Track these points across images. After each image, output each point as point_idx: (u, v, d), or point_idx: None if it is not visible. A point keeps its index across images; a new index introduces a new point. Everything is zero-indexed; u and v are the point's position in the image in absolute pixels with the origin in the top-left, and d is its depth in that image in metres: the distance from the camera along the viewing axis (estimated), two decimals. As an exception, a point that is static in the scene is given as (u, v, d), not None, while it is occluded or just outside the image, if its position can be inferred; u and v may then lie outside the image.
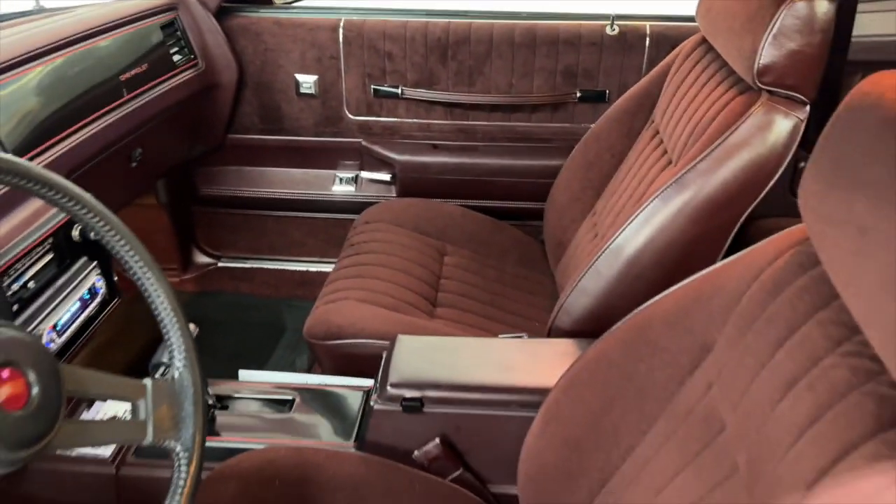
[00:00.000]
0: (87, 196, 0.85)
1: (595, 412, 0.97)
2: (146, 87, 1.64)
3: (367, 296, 1.54)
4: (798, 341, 0.69)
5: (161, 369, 1.10)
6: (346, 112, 2.03)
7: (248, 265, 2.23)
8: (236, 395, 1.38)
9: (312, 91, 2.02)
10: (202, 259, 2.24)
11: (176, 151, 1.95)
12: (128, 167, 1.65)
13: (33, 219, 1.22)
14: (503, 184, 2.01)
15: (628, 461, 0.92)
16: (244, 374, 1.44)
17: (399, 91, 1.98)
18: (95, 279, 1.36)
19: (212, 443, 1.28)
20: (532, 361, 1.25)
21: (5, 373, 0.70)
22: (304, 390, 1.39)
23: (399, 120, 2.02)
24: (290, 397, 1.36)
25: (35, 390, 0.71)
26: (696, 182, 1.23)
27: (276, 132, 2.07)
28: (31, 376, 0.71)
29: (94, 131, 1.47)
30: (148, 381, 0.85)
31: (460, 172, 2.01)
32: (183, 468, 0.84)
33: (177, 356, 0.89)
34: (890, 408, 0.56)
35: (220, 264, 2.24)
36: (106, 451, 1.30)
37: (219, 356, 1.82)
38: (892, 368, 0.55)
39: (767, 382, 0.71)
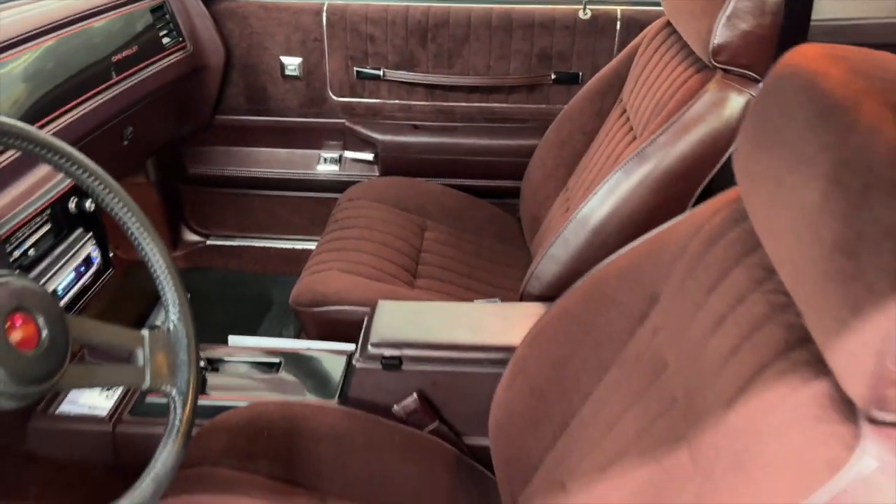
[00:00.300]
0: (90, 162, 0.92)
1: (558, 363, 1.06)
2: (136, 68, 1.71)
3: (350, 266, 1.62)
4: (727, 284, 0.78)
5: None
6: (330, 93, 2.10)
7: (235, 243, 2.30)
8: (226, 359, 1.46)
9: (297, 73, 2.09)
10: (191, 237, 2.31)
11: (165, 131, 2.02)
12: (119, 145, 1.72)
13: (33, 190, 1.29)
14: (481, 163, 2.09)
15: (586, 405, 1.01)
16: (233, 340, 1.52)
17: (381, 73, 2.05)
18: (91, 249, 1.43)
19: (203, 401, 1.35)
20: (503, 323, 1.33)
21: (18, 318, 0.77)
22: (290, 354, 1.47)
23: (381, 101, 2.10)
24: (277, 360, 1.45)
25: (44, 334, 0.79)
26: (655, 155, 1.31)
27: (263, 113, 2.14)
28: (41, 321, 0.79)
29: (86, 110, 1.53)
30: (145, 332, 0.93)
31: (440, 152, 2.09)
32: (178, 411, 0.93)
33: (171, 310, 0.97)
34: (796, 333, 0.65)
35: (208, 242, 2.31)
36: (103, 410, 1.38)
37: (209, 327, 1.87)
38: (798, 301, 0.64)
39: (702, 322, 0.80)
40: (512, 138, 2.08)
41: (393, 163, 2.11)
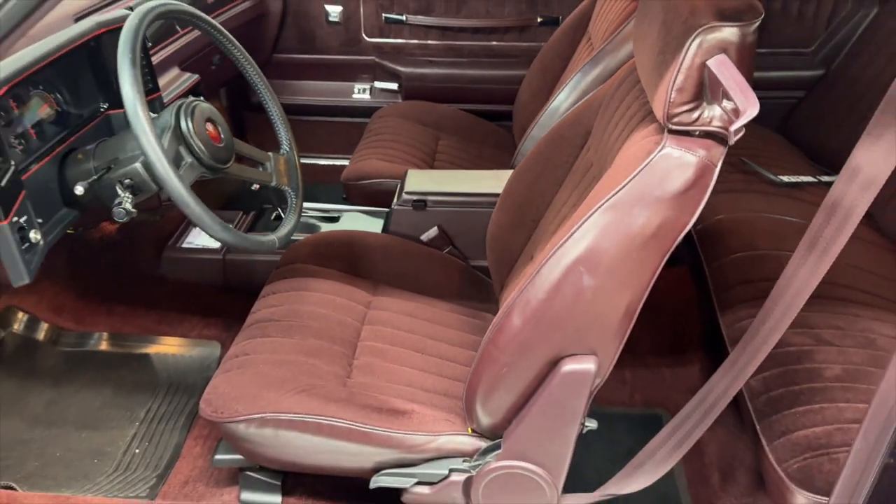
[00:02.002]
0: (230, 36, 1.48)
1: (530, 184, 1.61)
2: (223, 9, 2.26)
3: (385, 154, 2.18)
4: (626, 104, 1.33)
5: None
6: (364, 35, 2.65)
7: None
8: (304, 214, 2.02)
9: (338, 19, 2.64)
10: (252, 155, 2.87)
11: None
12: (209, 68, 2.27)
13: (171, 83, 1.85)
14: (483, 89, 2.64)
15: (549, 209, 1.56)
16: (307, 206, 2.08)
17: (404, 18, 2.60)
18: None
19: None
20: (496, 180, 1.89)
21: (210, 124, 1.33)
22: (345, 212, 2.03)
23: (404, 41, 2.65)
24: (336, 216, 2.01)
25: (223, 136, 1.35)
26: (604, 59, 1.85)
27: (310, 52, 2.69)
28: (220, 129, 1.35)
29: (191, 37, 2.09)
30: (272, 153, 1.49)
31: (451, 81, 2.64)
32: (293, 199, 1.49)
33: (284, 141, 1.53)
34: (647, 108, 1.19)
35: (264, 160, 2.87)
36: (216, 244, 1.95)
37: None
38: (646, 89, 1.18)
39: (613, 131, 1.35)
40: (507, 69, 2.62)
41: (414, 91, 2.66)
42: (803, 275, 1.15)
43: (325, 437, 1.29)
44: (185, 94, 1.89)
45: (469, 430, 1.32)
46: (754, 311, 1.63)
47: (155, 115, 1.30)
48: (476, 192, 1.84)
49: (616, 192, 1.08)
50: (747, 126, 1.01)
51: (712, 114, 1.03)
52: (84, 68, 1.49)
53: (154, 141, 1.14)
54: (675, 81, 1.02)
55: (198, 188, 1.26)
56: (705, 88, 1.03)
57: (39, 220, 1.28)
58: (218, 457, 1.46)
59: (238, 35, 2.55)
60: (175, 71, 1.94)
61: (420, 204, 1.83)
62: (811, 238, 1.15)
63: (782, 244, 1.80)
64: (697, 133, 1.05)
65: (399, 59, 2.66)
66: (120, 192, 1.25)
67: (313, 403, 1.29)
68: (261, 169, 1.48)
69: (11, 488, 1.52)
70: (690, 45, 1.00)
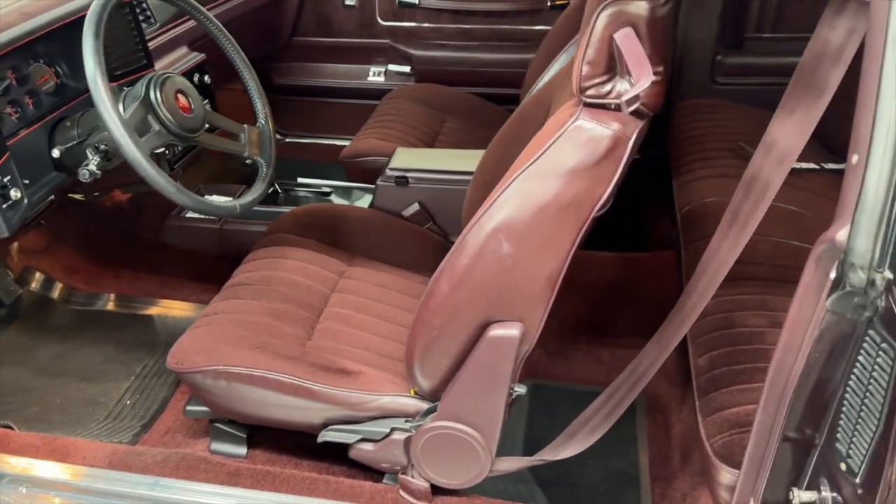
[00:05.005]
0: (218, 23, 1.57)
1: (498, 161, 1.64)
2: (237, -8, 2.38)
3: (384, 134, 2.25)
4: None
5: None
6: (378, 19, 2.73)
7: (305, 140, 2.97)
8: (297, 190, 2.12)
9: (353, 3, 2.72)
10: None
11: (257, 46, 2.68)
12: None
13: (177, 61, 1.97)
14: (494, 73, 2.68)
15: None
16: (302, 180, 2.18)
17: (417, 1, 2.66)
18: (206, 110, 2.10)
19: (279, 209, 2.02)
20: (475, 158, 1.93)
21: (180, 95, 1.43)
22: (337, 187, 2.12)
23: (417, 24, 2.71)
24: (328, 191, 2.10)
25: (193, 107, 1.44)
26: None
27: (328, 35, 2.78)
28: (191, 100, 1.44)
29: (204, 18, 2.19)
30: (246, 125, 1.58)
31: (462, 64, 2.69)
32: (265, 169, 1.57)
33: (260, 115, 1.61)
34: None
35: (286, 140, 2.99)
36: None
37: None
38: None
39: (560, 107, 1.37)
40: (518, 53, 2.65)
41: (426, 74, 2.71)
42: (725, 248, 1.17)
43: (274, 391, 1.37)
44: (187, 73, 2.00)
45: (413, 392, 1.38)
46: (718, 292, 1.64)
47: (130, 87, 1.41)
48: (456, 169, 1.89)
49: (532, 163, 1.12)
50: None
51: (624, 87, 1.06)
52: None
53: (110, 108, 1.24)
54: (585, 54, 1.05)
55: (211, 165, 1.36)
56: (616, 62, 1.05)
57: (26, 182, 1.41)
58: (189, 408, 1.56)
59: (257, 19, 2.68)
60: (183, 49, 2.05)
61: (402, 180, 1.90)
62: (732, 213, 1.16)
63: (762, 228, 1.77)
64: (613, 106, 1.08)
65: (412, 43, 2.72)
66: (90, 155, 1.36)
67: (264, 359, 1.38)
68: (237, 140, 1.57)
69: (10, 427, 1.66)
70: (598, 17, 1.03)
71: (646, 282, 2.13)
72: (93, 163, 1.35)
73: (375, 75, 2.81)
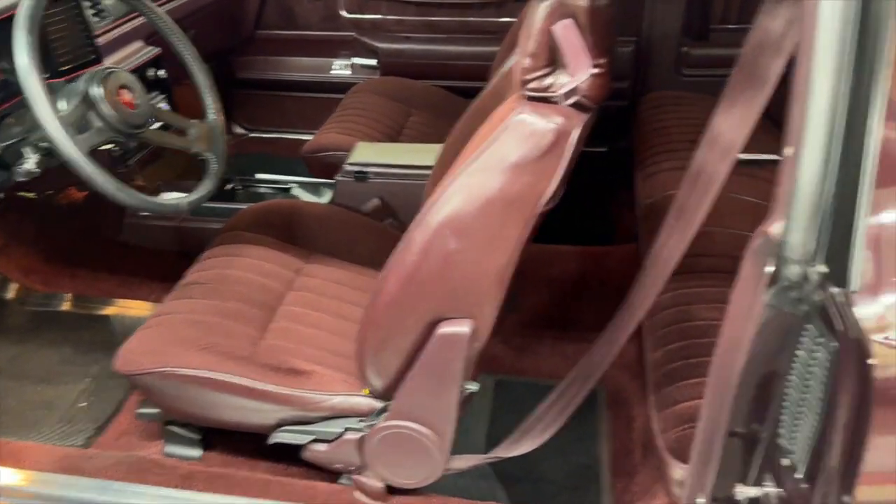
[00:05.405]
0: (169, 19, 1.53)
1: (456, 156, 1.62)
2: (196, -16, 2.33)
3: (346, 128, 2.23)
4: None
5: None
6: (343, 12, 2.69)
7: (270, 135, 2.92)
8: (257, 186, 2.09)
9: (316, -5, 2.68)
10: (238, 130, 2.94)
11: (219, 39, 2.63)
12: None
13: (128, 57, 1.92)
14: (460, 66, 2.65)
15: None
16: (261, 176, 2.15)
17: (382, -6, 2.63)
18: (163, 106, 2.06)
19: (239, 205, 1.99)
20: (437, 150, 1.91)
21: (124, 90, 1.39)
22: (299, 183, 2.09)
23: (382, 17, 2.67)
24: (289, 186, 2.07)
25: (137, 102, 1.41)
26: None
27: (292, 28, 2.74)
28: (136, 96, 1.41)
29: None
30: (196, 120, 1.54)
31: (428, 57, 2.66)
32: (214, 166, 1.54)
33: (210, 109, 1.58)
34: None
35: (251, 135, 2.94)
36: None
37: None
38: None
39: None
40: (484, 46, 2.62)
41: (391, 67, 2.68)
42: (672, 243, 1.15)
43: (225, 393, 1.35)
44: (141, 67, 1.96)
45: (366, 391, 1.36)
46: (675, 286, 1.63)
47: (75, 83, 1.38)
48: (415, 164, 1.87)
49: (476, 158, 1.10)
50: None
51: (564, 80, 1.04)
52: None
53: (44, 105, 1.21)
54: (527, 47, 1.04)
55: (179, 162, 1.32)
56: (557, 55, 1.04)
57: (-35, 180, 1.37)
58: (141, 410, 1.54)
59: (219, 11, 2.64)
60: (138, 44, 2.01)
61: (362, 175, 1.87)
62: (678, 207, 1.15)
63: (721, 221, 1.77)
64: (555, 99, 1.06)
65: (377, 36, 2.69)
66: (29, 153, 1.32)
67: (212, 360, 1.35)
68: (185, 136, 1.54)
69: (-41, 432, 1.63)
70: (538, 9, 1.01)
71: (611, 275, 2.11)
72: (30, 161, 1.31)
73: (340, 68, 2.77)
